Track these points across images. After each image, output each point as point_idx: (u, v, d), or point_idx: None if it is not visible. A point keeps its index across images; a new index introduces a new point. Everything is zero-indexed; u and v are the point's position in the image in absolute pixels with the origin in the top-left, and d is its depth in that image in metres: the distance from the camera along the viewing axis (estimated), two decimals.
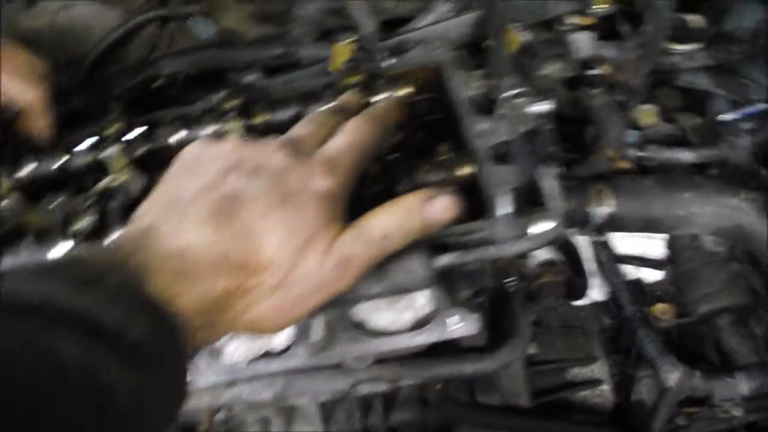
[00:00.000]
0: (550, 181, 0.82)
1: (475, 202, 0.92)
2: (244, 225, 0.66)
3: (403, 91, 1.04)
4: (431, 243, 0.80)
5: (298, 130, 0.79)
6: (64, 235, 0.91)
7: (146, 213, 0.69)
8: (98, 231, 0.90)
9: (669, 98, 1.40)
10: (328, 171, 0.72)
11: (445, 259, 0.78)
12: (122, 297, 0.58)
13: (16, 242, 0.93)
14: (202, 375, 0.90)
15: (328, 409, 1.26)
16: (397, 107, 0.90)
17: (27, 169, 1.03)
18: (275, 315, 0.69)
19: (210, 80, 1.29)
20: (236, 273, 0.65)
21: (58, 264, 0.60)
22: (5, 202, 1.00)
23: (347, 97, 0.94)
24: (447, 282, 0.86)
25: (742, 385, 1.07)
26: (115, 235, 0.88)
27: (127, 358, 0.55)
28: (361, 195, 0.89)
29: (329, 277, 0.69)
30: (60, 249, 0.91)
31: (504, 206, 0.80)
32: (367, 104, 0.99)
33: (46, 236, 0.94)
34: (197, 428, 1.14)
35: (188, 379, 0.64)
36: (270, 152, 0.72)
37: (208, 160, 0.71)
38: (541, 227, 0.85)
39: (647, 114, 1.35)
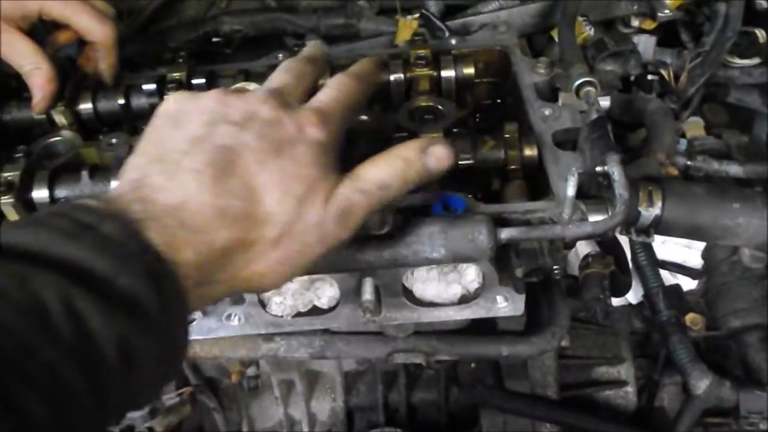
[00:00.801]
0: (618, 168, 0.82)
1: (535, 183, 0.93)
2: (242, 176, 0.64)
3: (466, 71, 1.05)
4: (494, 218, 0.81)
5: (277, 80, 0.76)
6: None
7: (136, 166, 0.65)
8: None
9: (715, 114, 1.41)
10: (320, 122, 0.70)
11: (509, 232, 0.79)
12: (116, 246, 0.55)
13: (71, 175, 0.93)
14: (243, 326, 0.90)
15: (351, 380, 1.27)
16: (376, 67, 0.89)
17: (87, 105, 1.04)
18: (278, 268, 0.67)
19: (265, 44, 1.30)
20: (238, 225, 0.63)
21: (53, 213, 0.57)
22: (63, 135, 1.00)
23: (313, 49, 0.88)
24: (498, 259, 0.86)
25: None
26: None
27: (113, 306, 0.52)
28: None
29: (331, 228, 0.68)
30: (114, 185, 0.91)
31: (570, 190, 0.80)
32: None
33: (101, 172, 0.94)
34: (224, 381, 1.14)
35: (187, 335, 0.60)
36: (256, 103, 0.69)
37: (192, 112, 0.68)
38: (601, 215, 0.86)
39: (694, 126, 1.36)
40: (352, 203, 0.69)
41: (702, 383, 1.10)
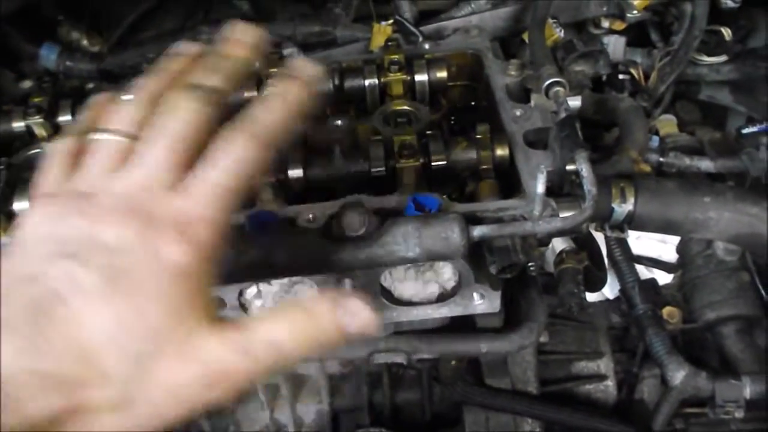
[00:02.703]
0: (587, 165, 0.84)
1: (507, 182, 0.95)
2: (68, 329, 0.51)
3: (439, 75, 1.07)
4: (466, 216, 0.83)
5: (151, 166, 0.55)
6: None
7: None
8: None
9: (688, 112, 1.44)
10: (181, 236, 0.53)
11: (482, 230, 0.80)
12: None
13: None
14: None
15: (336, 383, 1.28)
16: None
17: (66, 116, 1.05)
18: None
19: None
20: (62, 390, 0.50)
21: None
22: (44, 147, 1.01)
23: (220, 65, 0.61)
24: (474, 257, 0.88)
25: (747, 389, 1.10)
26: None
27: None
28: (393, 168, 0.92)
29: (192, 391, 0.53)
30: None
31: (540, 186, 0.82)
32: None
33: None
34: None
35: None
36: (103, 219, 0.53)
37: (34, 241, 0.53)
38: (573, 212, 0.88)
39: (667, 124, 1.38)
40: (225, 365, 0.53)
41: (678, 374, 1.13)
